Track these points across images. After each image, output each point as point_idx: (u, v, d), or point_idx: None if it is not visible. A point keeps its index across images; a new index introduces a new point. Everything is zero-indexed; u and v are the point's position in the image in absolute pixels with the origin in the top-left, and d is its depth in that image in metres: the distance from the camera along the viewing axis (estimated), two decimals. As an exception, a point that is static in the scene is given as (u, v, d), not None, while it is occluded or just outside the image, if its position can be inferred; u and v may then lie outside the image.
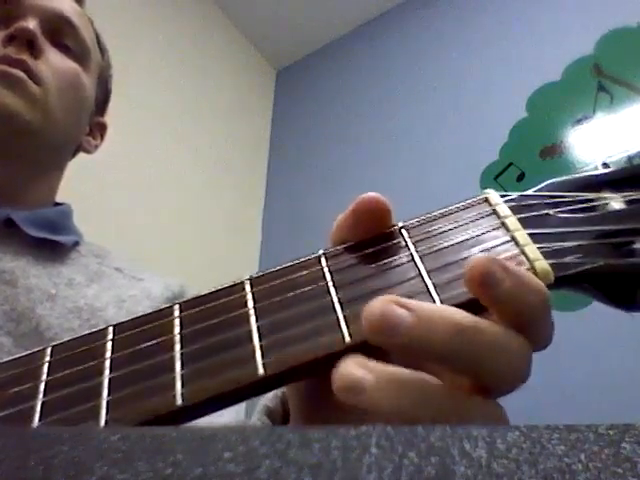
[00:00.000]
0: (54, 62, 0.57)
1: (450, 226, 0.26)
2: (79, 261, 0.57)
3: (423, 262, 0.25)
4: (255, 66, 2.32)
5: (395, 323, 0.20)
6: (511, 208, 0.27)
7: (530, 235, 0.25)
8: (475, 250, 0.25)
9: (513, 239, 0.25)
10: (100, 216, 1.35)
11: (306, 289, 0.25)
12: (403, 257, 0.25)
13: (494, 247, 0.25)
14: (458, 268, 0.24)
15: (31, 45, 0.55)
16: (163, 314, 0.26)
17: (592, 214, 0.26)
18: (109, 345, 0.25)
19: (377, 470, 0.12)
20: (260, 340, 0.23)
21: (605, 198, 0.26)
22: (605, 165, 0.28)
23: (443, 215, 0.27)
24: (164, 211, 1.69)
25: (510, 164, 1.59)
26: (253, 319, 0.24)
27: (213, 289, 0.26)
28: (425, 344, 0.21)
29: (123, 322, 0.26)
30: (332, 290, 0.24)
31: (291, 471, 0.13)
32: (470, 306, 0.22)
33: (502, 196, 0.27)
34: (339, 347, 0.22)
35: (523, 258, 0.24)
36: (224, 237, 1.87)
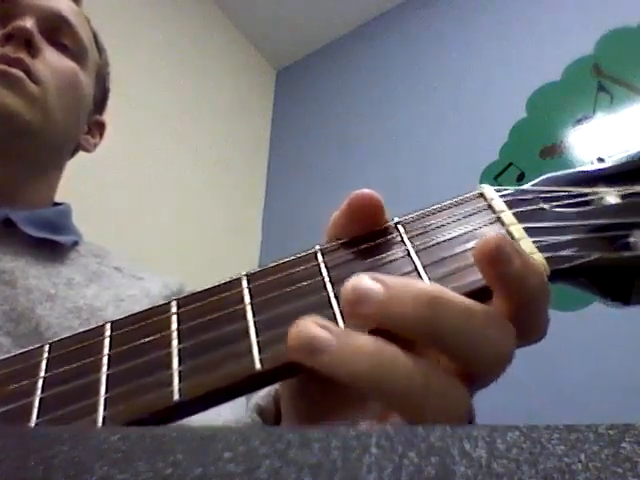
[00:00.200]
0: (52, 61, 0.57)
1: (446, 221, 0.27)
2: (78, 261, 0.57)
3: (419, 257, 0.25)
4: (255, 66, 2.32)
5: (367, 294, 0.21)
6: (506, 203, 0.27)
7: (525, 229, 0.25)
8: (471, 245, 0.25)
9: (508, 233, 0.25)
10: (100, 216, 1.35)
11: (302, 284, 0.25)
12: (399, 252, 0.26)
13: None
14: (454, 263, 0.24)
15: (28, 44, 0.55)
16: (160, 310, 0.26)
17: (587, 208, 0.26)
18: (107, 342, 0.25)
19: (377, 470, 0.12)
20: (257, 335, 0.23)
21: (600, 192, 0.26)
22: (600, 160, 0.28)
23: (439, 210, 0.27)
24: (164, 211, 1.69)
25: (510, 164, 1.59)
26: (250, 315, 0.24)
27: (210, 285, 0.26)
28: (394, 313, 0.21)
29: (120, 319, 0.26)
30: (328, 285, 0.25)
31: (291, 471, 0.13)
32: None
33: (497, 191, 0.28)
34: None
35: None
36: (224, 237, 1.87)
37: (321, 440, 0.13)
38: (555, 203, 0.27)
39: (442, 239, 0.26)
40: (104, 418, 0.22)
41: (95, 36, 0.67)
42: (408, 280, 0.23)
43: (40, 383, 0.24)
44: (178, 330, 0.24)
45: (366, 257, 0.26)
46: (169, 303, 0.26)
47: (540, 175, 0.28)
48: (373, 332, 0.22)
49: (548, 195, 0.27)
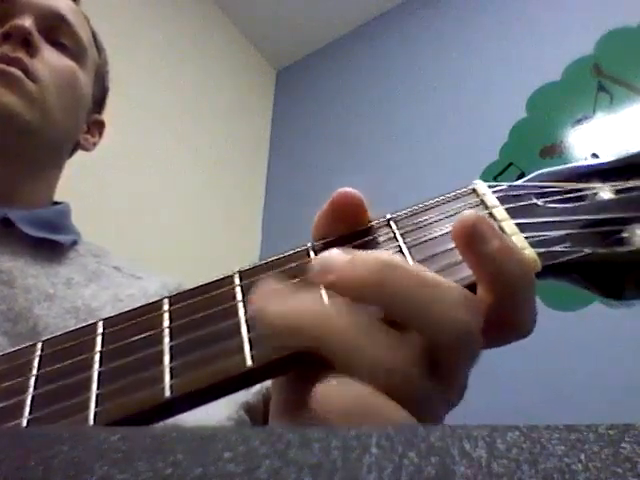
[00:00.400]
0: (50, 60, 0.57)
1: (438, 217, 0.27)
2: (77, 260, 0.57)
3: (411, 253, 0.25)
4: (255, 66, 2.32)
5: (329, 263, 0.23)
6: (499, 198, 0.27)
7: (517, 225, 0.25)
8: None
9: (500, 229, 0.25)
10: (99, 216, 1.35)
11: (295, 281, 0.25)
12: (391, 248, 0.26)
13: None
14: (445, 258, 0.24)
15: (27, 43, 0.55)
16: (153, 308, 0.26)
17: (581, 204, 0.26)
18: (99, 339, 0.25)
19: (377, 470, 0.12)
20: (249, 332, 0.23)
21: (594, 188, 0.26)
22: (594, 156, 0.28)
23: (431, 206, 0.27)
24: (164, 211, 1.69)
25: (510, 164, 1.59)
26: (242, 311, 0.24)
27: (203, 282, 0.26)
28: (352, 280, 0.22)
29: (113, 316, 0.26)
30: None
31: (291, 471, 0.13)
32: None
33: (490, 187, 0.28)
34: None
35: None
36: (224, 237, 1.87)
37: (321, 440, 0.13)
38: (548, 199, 0.26)
39: (434, 235, 0.26)
40: (95, 415, 0.22)
41: (94, 35, 0.67)
42: (371, 252, 0.23)
43: (32, 381, 0.24)
44: (170, 327, 0.25)
45: None
46: (161, 300, 0.26)
47: (540, 175, 0.28)
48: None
49: (541, 191, 0.27)
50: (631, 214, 0.25)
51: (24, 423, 0.23)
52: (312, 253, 0.26)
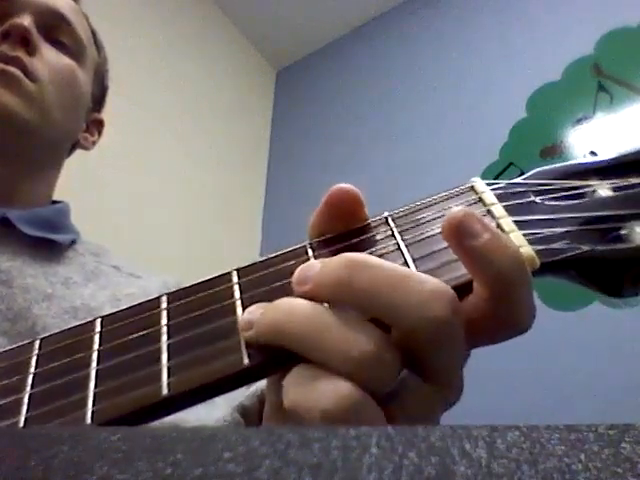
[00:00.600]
0: (49, 59, 0.57)
1: (436, 215, 0.27)
2: (76, 260, 0.57)
3: (409, 251, 0.25)
4: (255, 66, 2.32)
5: (305, 273, 0.24)
6: (497, 196, 0.27)
7: (516, 222, 0.25)
8: None
9: (499, 226, 0.25)
10: (99, 215, 1.35)
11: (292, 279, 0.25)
12: (389, 246, 0.26)
13: None
14: (443, 256, 0.24)
15: (26, 42, 0.55)
16: (151, 305, 0.26)
17: (579, 201, 0.26)
18: (97, 337, 0.25)
19: (377, 470, 0.12)
20: None
21: (592, 185, 0.26)
22: (592, 154, 0.28)
23: (429, 204, 0.27)
24: (164, 211, 1.69)
25: (510, 164, 1.59)
26: (240, 310, 0.24)
27: (201, 280, 0.26)
28: (327, 283, 0.23)
29: (110, 314, 0.26)
30: None
31: (291, 471, 0.13)
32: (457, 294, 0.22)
33: (489, 184, 0.28)
34: None
35: None
36: (224, 237, 1.87)
37: (321, 440, 0.13)
38: (546, 196, 0.26)
39: (432, 233, 0.26)
40: (93, 413, 0.22)
41: (94, 33, 0.67)
42: (343, 254, 0.23)
43: (30, 379, 0.24)
44: (168, 325, 0.25)
45: (357, 251, 0.26)
46: (159, 298, 0.26)
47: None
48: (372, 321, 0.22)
49: (539, 188, 0.27)
50: (629, 211, 0.25)
51: (22, 421, 0.23)
52: (310, 251, 0.26)
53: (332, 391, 0.20)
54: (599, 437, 0.13)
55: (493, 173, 1.59)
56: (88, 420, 0.22)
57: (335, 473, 0.12)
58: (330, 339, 0.21)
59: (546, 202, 0.26)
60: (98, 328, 0.25)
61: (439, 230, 0.25)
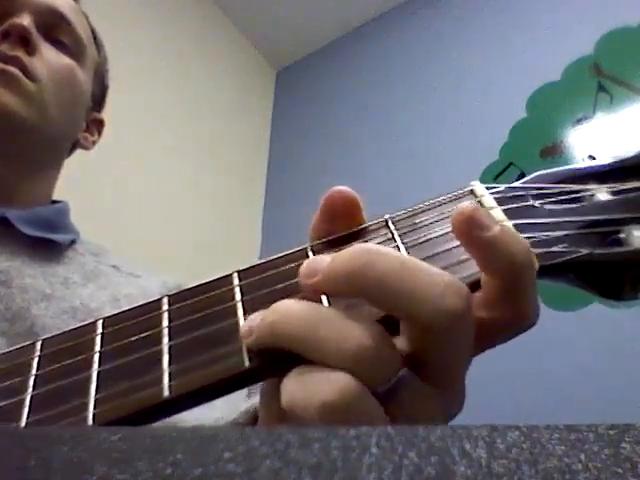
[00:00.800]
0: (49, 58, 0.57)
1: (436, 218, 0.27)
2: (76, 260, 0.57)
3: (409, 254, 0.25)
4: (255, 66, 2.32)
5: (314, 266, 0.23)
6: (497, 199, 0.27)
7: (515, 226, 0.25)
8: None
9: None
10: (99, 215, 1.35)
11: (293, 281, 0.25)
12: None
13: None
14: (444, 259, 0.24)
15: (25, 42, 0.55)
16: (152, 307, 0.26)
17: (578, 205, 0.26)
18: (98, 339, 0.25)
19: (377, 470, 0.12)
20: None
21: (591, 189, 0.26)
22: (591, 157, 0.28)
23: (429, 207, 0.28)
24: (164, 211, 1.69)
25: (510, 164, 1.59)
26: (240, 312, 0.24)
27: (202, 282, 0.26)
28: (337, 276, 0.22)
29: (112, 315, 0.26)
30: None
31: (291, 471, 0.13)
32: None
33: (488, 188, 0.28)
34: None
35: None
36: (224, 237, 1.87)
37: (321, 440, 0.13)
38: (546, 200, 0.27)
39: (432, 236, 0.26)
40: (94, 415, 0.22)
41: (94, 33, 0.66)
42: (355, 245, 0.23)
43: (32, 380, 0.24)
44: (169, 327, 0.25)
45: None
46: (160, 300, 0.26)
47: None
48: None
49: (539, 192, 0.27)
50: (628, 215, 0.25)
51: (23, 425, 0.23)
52: (311, 253, 0.26)
53: (330, 382, 0.20)
54: (599, 437, 0.13)
55: (493, 173, 1.59)
56: (90, 422, 0.22)
57: (335, 473, 0.12)
58: (327, 336, 0.21)
59: (545, 206, 0.26)
60: (99, 330, 0.25)
61: (439, 233, 0.26)
